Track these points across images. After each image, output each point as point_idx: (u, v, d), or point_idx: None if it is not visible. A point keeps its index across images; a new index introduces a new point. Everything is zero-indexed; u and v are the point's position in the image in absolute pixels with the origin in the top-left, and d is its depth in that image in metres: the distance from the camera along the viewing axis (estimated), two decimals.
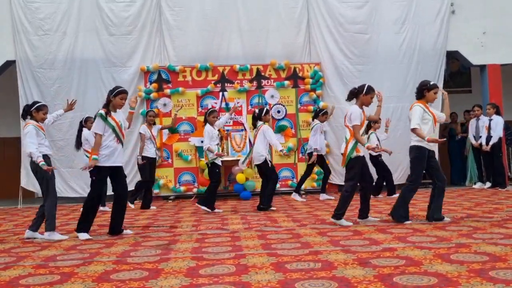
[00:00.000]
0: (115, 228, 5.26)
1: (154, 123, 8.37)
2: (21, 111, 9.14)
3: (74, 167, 8.93)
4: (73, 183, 9.29)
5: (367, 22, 9.84)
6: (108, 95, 5.18)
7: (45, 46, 9.40)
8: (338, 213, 5.36)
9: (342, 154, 5.54)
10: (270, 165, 7.13)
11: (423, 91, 5.33)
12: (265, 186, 7.19)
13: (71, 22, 9.50)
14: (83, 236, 5.04)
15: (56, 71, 9.41)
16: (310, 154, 8.40)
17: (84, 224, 5.12)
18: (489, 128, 9.15)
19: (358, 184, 5.47)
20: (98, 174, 5.13)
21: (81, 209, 5.39)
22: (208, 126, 7.13)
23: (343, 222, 5.34)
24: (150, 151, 7.97)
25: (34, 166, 5.18)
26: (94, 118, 5.21)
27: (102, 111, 5.09)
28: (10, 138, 10.90)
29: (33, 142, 5.13)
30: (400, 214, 5.31)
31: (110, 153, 5.10)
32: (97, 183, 5.18)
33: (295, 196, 8.41)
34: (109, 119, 5.08)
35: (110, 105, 5.14)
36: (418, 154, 5.25)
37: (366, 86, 5.44)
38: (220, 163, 7.22)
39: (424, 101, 5.33)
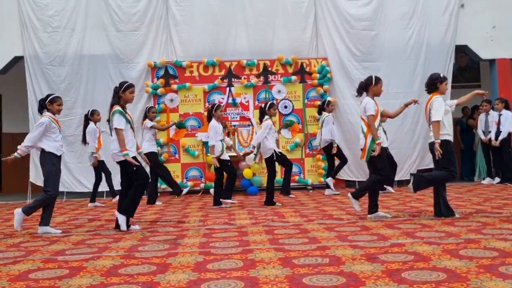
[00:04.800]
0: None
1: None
2: (29, 107, 9.36)
3: (83, 162, 9.00)
4: (82, 178, 9.34)
5: (374, 19, 9.75)
6: (117, 91, 5.21)
7: (54, 43, 9.47)
8: (357, 194, 5.40)
9: (361, 149, 5.46)
10: (280, 155, 7.18)
11: (436, 84, 5.31)
12: (271, 181, 7.20)
13: (79, 18, 9.56)
14: (121, 218, 5.15)
15: (65, 68, 9.47)
16: (326, 148, 8.44)
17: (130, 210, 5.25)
18: (498, 123, 9.08)
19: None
20: (133, 164, 5.16)
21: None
22: (214, 121, 7.10)
23: (356, 204, 5.38)
24: (154, 147, 7.98)
25: (43, 159, 5.26)
26: (111, 117, 5.21)
27: (119, 107, 5.14)
28: (19, 133, 10.94)
29: (34, 136, 5.36)
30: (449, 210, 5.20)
31: (132, 145, 5.25)
32: (139, 169, 5.20)
33: (329, 181, 8.44)
34: (126, 114, 5.21)
35: (121, 101, 5.20)
36: (447, 148, 5.14)
37: (373, 76, 5.46)
38: (228, 157, 7.20)
39: (437, 94, 5.29)
